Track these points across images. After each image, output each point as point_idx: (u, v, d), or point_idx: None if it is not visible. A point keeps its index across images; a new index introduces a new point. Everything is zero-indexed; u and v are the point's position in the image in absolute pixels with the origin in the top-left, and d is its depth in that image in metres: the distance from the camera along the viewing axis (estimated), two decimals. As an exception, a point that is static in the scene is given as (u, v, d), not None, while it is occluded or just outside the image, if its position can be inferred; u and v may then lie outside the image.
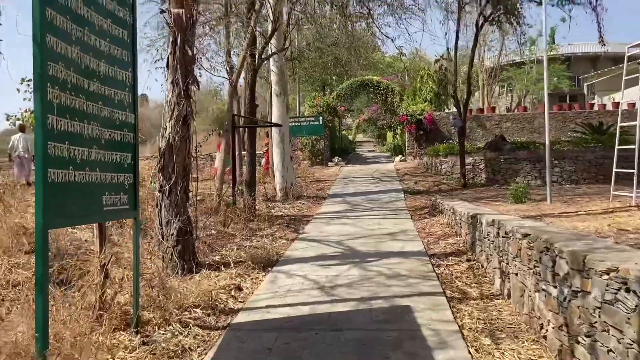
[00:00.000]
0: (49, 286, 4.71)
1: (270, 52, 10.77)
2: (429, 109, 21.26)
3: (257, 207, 10.44)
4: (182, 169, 5.84)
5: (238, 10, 10.41)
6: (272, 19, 9.28)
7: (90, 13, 3.47)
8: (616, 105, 21.15)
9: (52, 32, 3.00)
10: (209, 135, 10.19)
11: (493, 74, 32.34)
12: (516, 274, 4.63)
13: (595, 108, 21.15)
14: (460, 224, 7.65)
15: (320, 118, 20.75)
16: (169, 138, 5.77)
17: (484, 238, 5.97)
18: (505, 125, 20.88)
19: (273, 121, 12.55)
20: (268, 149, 9.87)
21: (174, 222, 5.74)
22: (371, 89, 22.87)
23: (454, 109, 25.47)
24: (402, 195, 12.85)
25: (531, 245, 4.19)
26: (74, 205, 3.24)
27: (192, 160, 6.06)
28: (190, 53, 5.81)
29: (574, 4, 11.78)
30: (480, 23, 12.77)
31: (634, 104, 21.72)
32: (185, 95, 5.79)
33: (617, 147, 7.82)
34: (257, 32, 9.00)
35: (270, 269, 6.06)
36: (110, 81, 3.72)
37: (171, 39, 5.75)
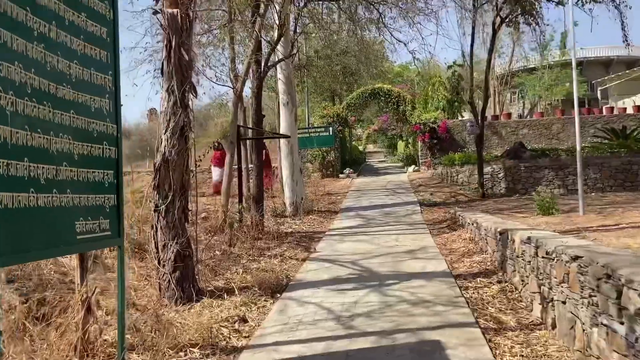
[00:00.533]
0: (27, 322, 4.17)
1: (276, 60, 10.26)
2: (443, 117, 20.60)
3: (265, 224, 9.86)
4: (180, 186, 5.28)
5: (243, 16, 9.94)
6: (277, 23, 8.78)
7: (59, 5, 2.93)
8: (637, 108, 20.37)
9: (5, 25, 2.46)
10: (210, 148, 9.68)
11: (504, 81, 31.71)
12: (563, 302, 3.98)
13: (615, 112, 20.35)
14: (486, 239, 6.99)
15: (331, 129, 20.19)
16: (164, 152, 5.21)
17: (517, 257, 5.32)
18: (522, 132, 20.15)
19: (281, 132, 12.01)
20: (262, 163, 9.36)
21: (171, 245, 5.16)
22: (382, 98, 22.30)
23: (467, 116, 24.92)
24: (418, 207, 12.20)
25: (584, 270, 3.55)
26: (36, 236, 2.66)
27: (190, 175, 5.49)
28: (187, 57, 5.27)
29: (595, 2, 11.15)
30: (497, 24, 12.17)
31: (657, 107, 20.91)
32: (181, 104, 5.24)
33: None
34: (262, 38, 8.50)
35: (279, 295, 5.45)
36: (85, 86, 3.17)
37: (165, 42, 5.22)
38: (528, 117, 30.03)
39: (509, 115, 22.67)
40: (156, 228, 5.25)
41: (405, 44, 12.04)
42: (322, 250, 7.97)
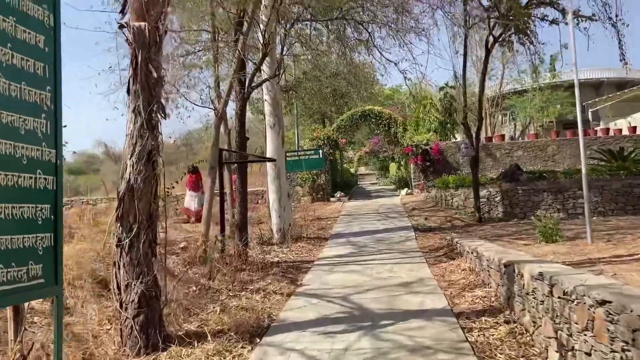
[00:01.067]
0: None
1: (261, 80, 9.78)
2: (435, 139, 20.22)
3: (250, 253, 9.24)
4: (147, 217, 4.68)
5: (227, 36, 9.52)
6: (262, 42, 8.32)
7: (-26, 5, 2.39)
8: (633, 129, 20.10)
9: None
10: (184, 174, 9.11)
11: (495, 103, 31.63)
12: (588, 354, 3.40)
13: (611, 133, 20.08)
14: (489, 271, 6.41)
15: (321, 151, 19.68)
16: (129, 179, 4.63)
17: (527, 294, 4.75)
18: (517, 154, 19.77)
19: (267, 155, 11.46)
20: (235, 189, 8.75)
21: (135, 285, 4.54)
22: (373, 120, 21.92)
23: (460, 138, 24.59)
24: (413, 233, 11.62)
25: (614, 318, 3.00)
26: None
27: (159, 205, 4.90)
28: (155, 74, 4.73)
29: (592, 20, 10.84)
30: (490, 44, 11.82)
31: (652, 128, 20.66)
32: (149, 126, 4.68)
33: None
34: (244, 57, 8.03)
35: (258, 339, 4.81)
36: (13, 103, 2.60)
37: (131, 58, 4.68)
38: (520, 138, 29.85)
39: (503, 137, 22.35)
40: (118, 265, 4.63)
41: (395, 64, 11.61)
42: (310, 283, 7.34)
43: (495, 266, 6.00)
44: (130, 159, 4.68)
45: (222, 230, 8.32)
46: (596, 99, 33.60)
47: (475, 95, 23.51)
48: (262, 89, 11.33)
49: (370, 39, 11.69)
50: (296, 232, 12.01)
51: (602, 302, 3.15)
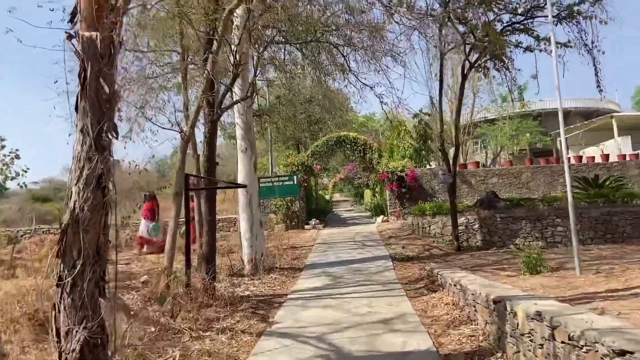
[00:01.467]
0: None
1: (232, 102, 9.31)
2: (410, 166, 20.01)
3: (218, 286, 8.59)
4: (94, 251, 4.07)
5: (196, 55, 9.07)
6: (233, 62, 7.88)
7: None
8: (605, 157, 20.30)
9: None
10: (143, 202, 8.48)
11: (467, 131, 31.98)
12: (603, 411, 2.94)
13: (584, 161, 20.23)
14: (475, 306, 5.95)
15: (295, 177, 19.15)
16: (74, 208, 4.03)
17: (522, 335, 4.30)
18: (492, 181, 19.69)
19: (239, 181, 10.91)
20: (194, 217, 8.12)
21: (77, 331, 3.89)
22: (348, 146, 21.63)
23: (434, 165, 24.52)
24: (390, 263, 11.15)
25: (639, 373, 2.56)
26: None
27: (108, 238, 4.30)
28: (107, 90, 4.20)
29: (567, 47, 10.80)
30: (466, 69, 11.68)
31: (624, 156, 20.95)
32: (98, 147, 4.12)
33: (659, 203, 6.35)
34: (213, 77, 7.55)
35: (222, 392, 4.21)
36: None
37: (79, 72, 4.15)
38: (491, 166, 30.05)
39: (478, 164, 22.33)
40: (58, 308, 3.98)
41: (371, 88, 11.33)
42: (282, 321, 6.74)
43: (483, 301, 5.55)
44: (76, 184, 4.09)
45: (188, 262, 7.67)
46: (565, 128, 34.29)
47: (448, 123, 23.64)
48: (233, 113, 10.85)
49: (345, 62, 11.42)
50: (269, 262, 11.40)
51: (621, 353, 2.71)
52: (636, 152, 25.02)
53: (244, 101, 9.72)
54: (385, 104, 10.81)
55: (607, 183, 15.35)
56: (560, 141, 35.02)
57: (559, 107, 7.01)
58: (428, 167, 22.52)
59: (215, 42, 7.91)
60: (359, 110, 41.78)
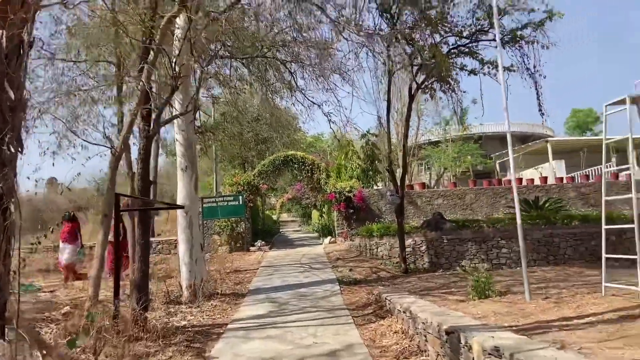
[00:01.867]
0: None
1: (172, 116, 8.73)
2: (358, 186, 19.89)
3: (150, 317, 7.88)
4: (-11, 285, 3.45)
5: (133, 66, 8.46)
6: (172, 74, 7.36)
7: None
8: (544, 179, 20.99)
9: None
10: (61, 223, 7.73)
11: (412, 152, 32.54)
12: None
13: (524, 183, 20.82)
14: (425, 336, 5.64)
15: (241, 197, 18.57)
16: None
17: (478, 371, 3.99)
18: (437, 202, 19.86)
19: (179, 201, 10.24)
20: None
21: (-38, 383, 3.23)
22: (295, 165, 21.28)
23: (382, 186, 24.58)
24: (338, 287, 10.75)
25: None
26: None
27: (10, 267, 3.67)
28: (12, 96, 3.61)
29: (510, 71, 11.00)
30: (413, 90, 11.67)
31: (561, 179, 21.76)
32: (-2, 162, 3.52)
33: (604, 226, 6.32)
34: (149, 88, 7.01)
35: None
36: None
37: (-23, 73, 3.56)
38: (435, 187, 30.61)
39: (424, 185, 22.55)
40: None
41: (319, 106, 11.06)
42: (220, 355, 6.16)
43: (435, 331, 5.24)
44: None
45: (116, 290, 6.96)
46: (503, 151, 35.88)
47: (397, 144, 23.84)
48: (173, 128, 10.25)
49: (293, 79, 11.12)
50: (210, 287, 10.72)
51: (594, 400, 2.41)
52: (571, 175, 26.20)
53: (184, 116, 9.15)
54: (333, 122, 10.55)
55: (547, 205, 15.75)
56: (499, 163, 36.52)
57: (507, 129, 6.95)
58: (375, 187, 22.52)
59: (152, 52, 7.36)
60: (307, 130, 41.79)
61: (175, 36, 9.19)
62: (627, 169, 6.96)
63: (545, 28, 9.95)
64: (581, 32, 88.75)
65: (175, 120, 9.86)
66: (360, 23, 10.07)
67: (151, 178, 8.68)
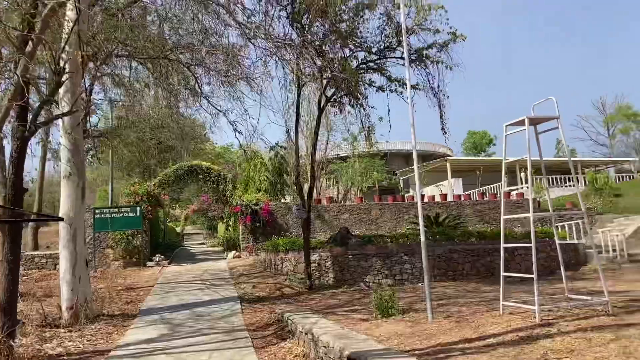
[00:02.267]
0: None
1: (54, 116, 7.76)
2: (266, 199, 19.46)
3: (21, 343, 6.85)
4: None
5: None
6: (54, 68, 6.49)
7: None
8: (444, 196, 21.93)
9: None
10: None
11: (320, 166, 32.78)
12: None
13: (426, 199, 21.60)
14: (328, 361, 5.32)
15: (138, 208, 17.40)
16: None
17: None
18: (344, 217, 19.96)
19: (61, 212, 9.15)
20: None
21: None
22: (200, 176, 20.37)
23: (289, 199, 24.34)
24: (239, 305, 10.20)
25: None
26: None
27: None
28: None
29: (416, 90, 11.26)
30: (322, 103, 11.54)
31: (459, 196, 22.85)
32: None
33: (503, 244, 6.45)
34: (24, 82, 6.09)
35: None
36: None
37: None
38: (342, 202, 30.99)
39: (331, 199, 22.62)
40: None
41: (224, 113, 10.51)
42: (97, 390, 5.40)
43: (336, 357, 4.94)
44: None
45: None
46: (406, 168, 37.43)
47: (305, 157, 23.78)
48: (59, 131, 9.19)
49: (197, 85, 10.50)
50: (95, 308, 9.68)
51: None
52: (468, 192, 27.76)
53: (71, 118, 8.19)
54: (239, 132, 10.05)
55: (447, 221, 16.37)
56: (403, 180, 37.94)
57: (413, 147, 6.93)
58: (283, 201, 22.22)
59: (31, 43, 6.47)
60: (216, 141, 40.61)
61: (64, 29, 8.25)
62: (522, 188, 7.28)
63: (450, 49, 10.31)
64: (482, 60, 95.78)
65: (60, 122, 8.84)
66: (271, 31, 9.75)
67: (36, 185, 7.63)
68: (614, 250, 14.84)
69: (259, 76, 9.23)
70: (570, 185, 30.88)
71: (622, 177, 35.96)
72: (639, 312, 5.96)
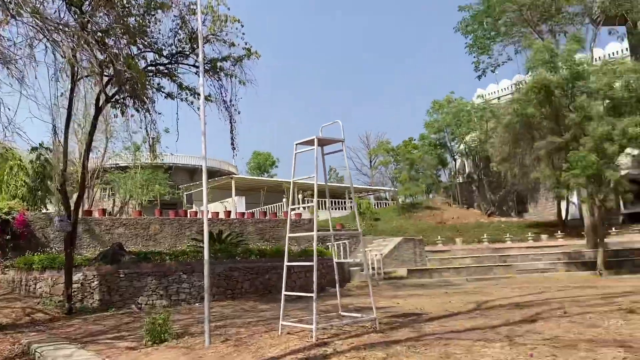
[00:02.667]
0: None
1: None
2: (22, 207, 16.53)
3: None
4: None
5: None
6: None
7: None
8: (228, 213, 21.82)
9: None
10: None
11: (95, 175, 29.69)
12: None
13: (210, 216, 21.16)
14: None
15: None
16: None
17: None
18: (118, 231, 18.18)
19: None
20: None
21: None
22: None
23: (53, 209, 21.20)
24: (-32, 338, 8.16)
25: None
26: None
27: None
28: None
29: (208, 101, 10.90)
30: (101, 102, 10.26)
31: (243, 214, 23.01)
32: None
33: (286, 262, 6.44)
34: None
35: None
36: None
37: None
38: (118, 215, 28.52)
39: (104, 211, 20.46)
40: None
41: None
42: None
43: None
44: None
45: None
46: (191, 184, 36.58)
47: (77, 163, 21.11)
48: None
49: None
50: None
51: None
52: (251, 210, 28.31)
53: None
54: (-13, 123, 8.13)
55: (229, 238, 16.23)
56: (187, 195, 36.87)
57: (203, 156, 6.53)
58: (45, 211, 19.25)
59: None
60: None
61: None
62: (299, 208, 7.52)
63: (244, 64, 10.29)
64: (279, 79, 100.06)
65: None
66: (42, 10, 8.26)
67: None
68: (374, 268, 16.69)
69: (21, 58, 7.64)
70: (339, 208, 34.19)
71: (380, 203, 41.59)
72: (402, 327, 6.57)
